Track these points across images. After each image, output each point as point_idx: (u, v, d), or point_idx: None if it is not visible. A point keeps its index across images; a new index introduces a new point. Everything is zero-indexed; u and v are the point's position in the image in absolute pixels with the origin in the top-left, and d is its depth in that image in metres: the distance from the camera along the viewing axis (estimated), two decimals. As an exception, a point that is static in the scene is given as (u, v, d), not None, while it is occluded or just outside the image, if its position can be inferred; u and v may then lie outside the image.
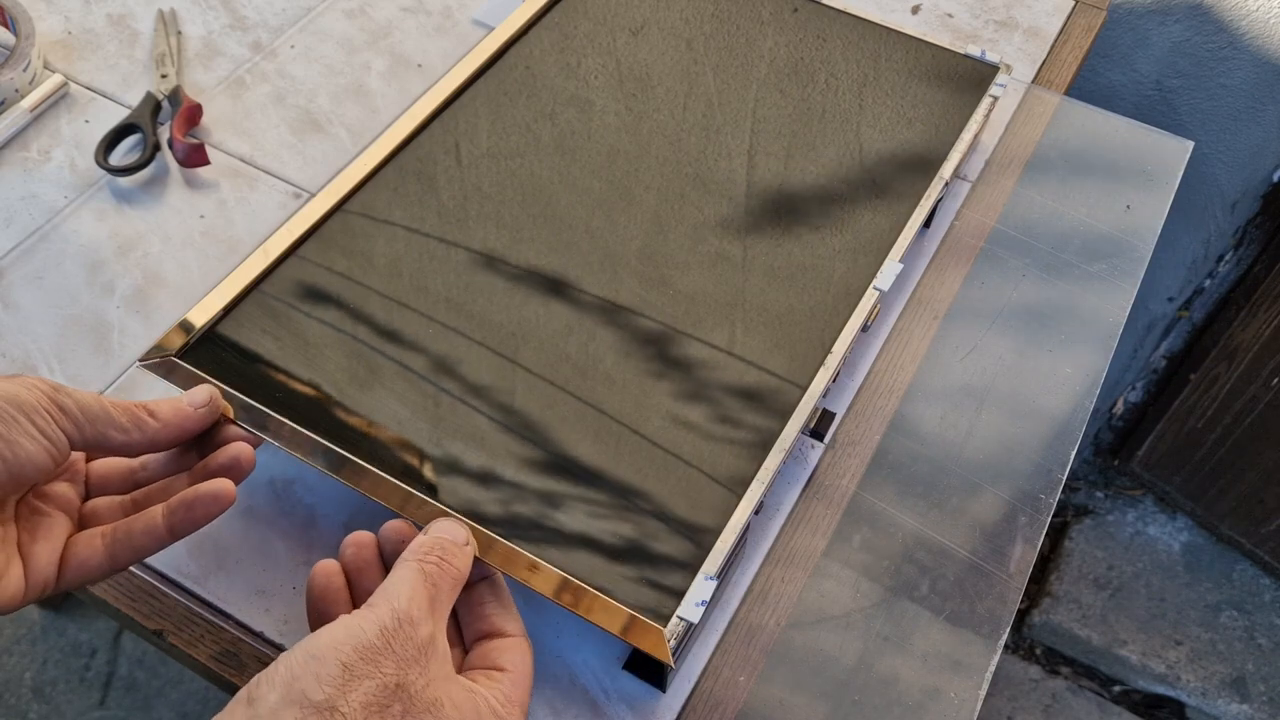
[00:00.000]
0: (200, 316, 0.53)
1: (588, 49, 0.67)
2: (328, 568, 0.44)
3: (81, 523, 0.45)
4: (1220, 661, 1.30)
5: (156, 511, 0.44)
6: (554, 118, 0.63)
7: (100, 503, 0.45)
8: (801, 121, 0.64)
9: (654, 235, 0.58)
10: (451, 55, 0.74)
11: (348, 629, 0.37)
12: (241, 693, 0.36)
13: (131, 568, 0.52)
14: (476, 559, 0.45)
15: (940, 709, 0.50)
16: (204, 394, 0.47)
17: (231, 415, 0.49)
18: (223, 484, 0.44)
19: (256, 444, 0.48)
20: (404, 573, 0.41)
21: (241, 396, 0.50)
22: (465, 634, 0.44)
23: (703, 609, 0.45)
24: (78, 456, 0.46)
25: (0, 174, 0.67)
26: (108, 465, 0.47)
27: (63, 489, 0.44)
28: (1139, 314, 1.21)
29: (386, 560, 0.45)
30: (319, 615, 0.43)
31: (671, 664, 0.44)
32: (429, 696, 0.37)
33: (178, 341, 0.52)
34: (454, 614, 0.44)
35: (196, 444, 0.48)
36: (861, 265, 0.57)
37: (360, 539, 0.45)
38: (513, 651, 0.43)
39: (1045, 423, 0.58)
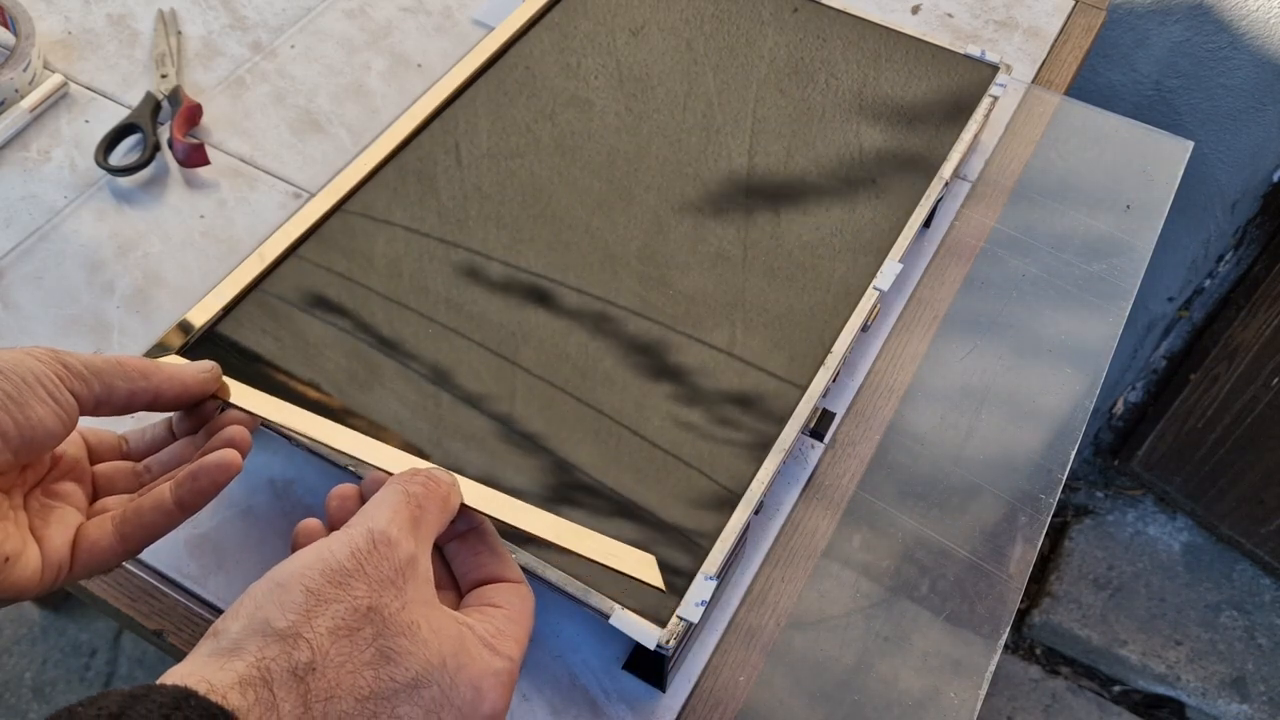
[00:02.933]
0: (200, 316, 0.53)
1: (588, 49, 0.67)
2: (310, 526, 0.43)
3: (89, 518, 0.45)
4: (1220, 661, 1.30)
5: (164, 488, 0.43)
6: (554, 118, 0.63)
7: (108, 501, 0.45)
8: (802, 121, 0.63)
9: (654, 235, 0.58)
10: (451, 55, 0.74)
11: (317, 553, 0.36)
12: (209, 629, 0.35)
13: (131, 567, 0.53)
14: (465, 508, 0.43)
15: (940, 709, 0.50)
16: (207, 364, 0.48)
17: (230, 396, 0.49)
18: (228, 452, 0.44)
19: (254, 426, 0.48)
20: (385, 494, 0.39)
21: (243, 386, 0.50)
22: (461, 584, 0.43)
23: (702, 609, 0.45)
24: (82, 456, 0.46)
25: (0, 174, 0.67)
26: (113, 468, 0.47)
27: (70, 488, 0.44)
28: (1139, 314, 1.21)
29: None
30: None
31: (665, 591, 0.43)
32: (404, 619, 0.36)
33: (177, 341, 0.52)
34: (447, 564, 0.43)
35: (201, 438, 0.48)
36: (861, 265, 0.57)
37: (344, 491, 0.44)
38: (508, 592, 0.41)
39: (1045, 423, 0.58)
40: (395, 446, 0.49)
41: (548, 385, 0.52)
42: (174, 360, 0.51)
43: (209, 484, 0.43)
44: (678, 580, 0.46)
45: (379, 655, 0.35)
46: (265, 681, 0.33)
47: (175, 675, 0.33)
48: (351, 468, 0.49)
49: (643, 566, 0.44)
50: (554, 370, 0.53)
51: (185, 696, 0.31)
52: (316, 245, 0.57)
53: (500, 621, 0.39)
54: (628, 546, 0.44)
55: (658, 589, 0.43)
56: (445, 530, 0.42)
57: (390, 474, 0.45)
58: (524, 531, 0.45)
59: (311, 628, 0.34)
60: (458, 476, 0.43)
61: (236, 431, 0.46)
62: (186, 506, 0.43)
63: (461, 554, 0.43)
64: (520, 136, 0.62)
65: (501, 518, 0.45)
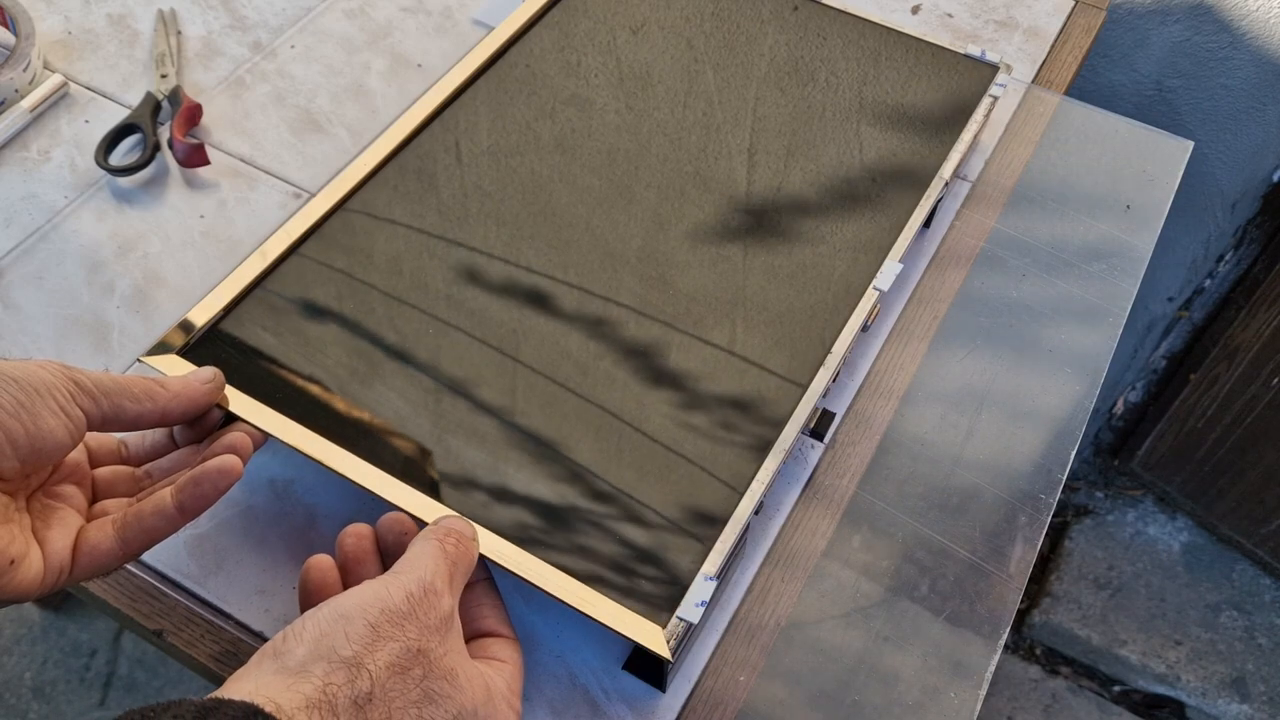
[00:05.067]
0: (201, 315, 0.53)
1: (588, 47, 0.67)
2: (322, 562, 0.44)
3: (90, 520, 0.45)
4: (1220, 661, 1.30)
5: (165, 493, 0.44)
6: (554, 116, 0.63)
7: (109, 504, 0.46)
8: (802, 120, 0.63)
9: (654, 233, 0.58)
10: (451, 55, 0.74)
11: (375, 593, 0.38)
12: (267, 646, 0.37)
13: (131, 568, 0.52)
14: (479, 557, 0.45)
15: (940, 709, 0.50)
16: (209, 372, 0.48)
17: (228, 404, 0.49)
18: (229, 458, 0.44)
19: (261, 441, 0.49)
20: (427, 548, 0.42)
21: (243, 395, 0.50)
22: (463, 631, 0.44)
23: (702, 609, 0.45)
24: (83, 459, 0.46)
25: (0, 174, 0.67)
26: (113, 472, 0.47)
27: (71, 490, 0.45)
28: (1139, 314, 1.21)
29: (384, 551, 0.45)
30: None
31: (670, 659, 0.44)
32: (446, 665, 0.38)
33: (179, 340, 0.52)
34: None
35: (202, 445, 0.48)
36: (861, 265, 0.57)
37: (360, 530, 0.45)
38: (510, 648, 0.44)
39: (1045, 423, 0.58)
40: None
41: (548, 382, 0.52)
42: (175, 364, 0.51)
43: (210, 489, 0.44)
44: (677, 580, 0.46)
45: (424, 695, 0.37)
46: (331, 707, 0.34)
47: (240, 691, 0.34)
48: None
49: (649, 635, 0.44)
50: (554, 367, 0.53)
51: (254, 713, 0.32)
52: (317, 243, 0.57)
53: (509, 677, 0.42)
54: (635, 614, 0.45)
55: (665, 658, 0.44)
56: None
57: (387, 500, 0.46)
58: (535, 586, 0.45)
59: (373, 660, 0.36)
60: (477, 529, 0.45)
61: (238, 438, 0.47)
62: (187, 511, 0.44)
63: (467, 604, 0.45)
64: (520, 134, 0.62)
65: (516, 571, 0.46)
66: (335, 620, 0.37)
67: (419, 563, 0.40)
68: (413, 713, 0.36)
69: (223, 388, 0.49)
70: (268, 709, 0.33)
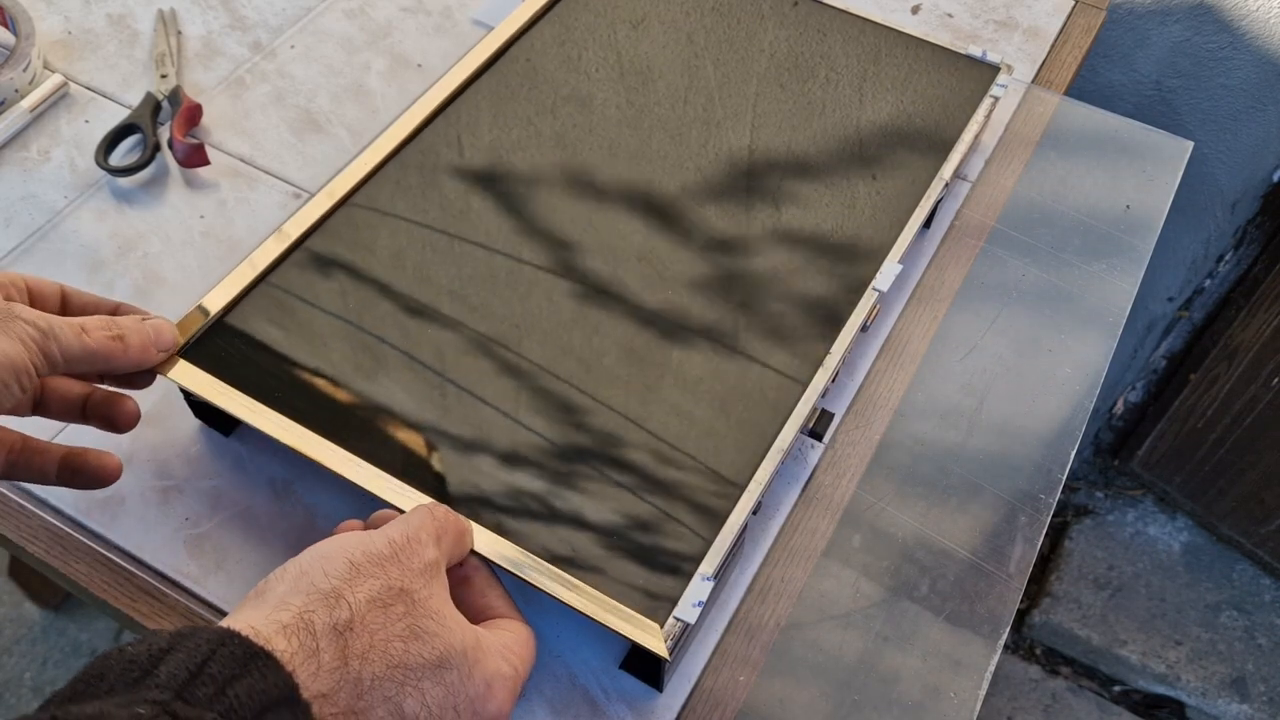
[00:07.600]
0: (202, 313, 0.53)
1: (588, 42, 0.67)
2: None
3: None
4: (1220, 661, 1.30)
5: (55, 457, 0.46)
6: (555, 112, 0.63)
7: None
8: (802, 117, 0.63)
9: (654, 229, 0.58)
10: (451, 55, 0.74)
11: (357, 537, 0.39)
12: (250, 592, 0.38)
13: (131, 567, 0.53)
14: (476, 554, 0.46)
15: (940, 709, 0.50)
16: (169, 339, 0.49)
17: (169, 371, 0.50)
18: (108, 459, 0.47)
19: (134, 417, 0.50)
20: (414, 510, 0.43)
21: (243, 396, 0.50)
22: (469, 619, 0.44)
23: (699, 609, 0.45)
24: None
25: (0, 174, 0.67)
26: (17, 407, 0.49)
27: None
28: (1139, 314, 1.21)
29: None
30: None
31: (668, 658, 0.44)
32: (432, 606, 0.39)
33: (197, 322, 0.52)
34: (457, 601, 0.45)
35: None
36: (861, 264, 0.57)
37: (352, 525, 0.46)
38: (516, 627, 0.44)
39: (1045, 423, 0.58)
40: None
41: (550, 377, 0.52)
42: (174, 364, 0.51)
43: (83, 483, 0.47)
44: (675, 580, 0.46)
45: (409, 631, 0.37)
46: (309, 630, 0.35)
47: (220, 624, 0.34)
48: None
49: (647, 634, 0.44)
50: (556, 363, 0.53)
51: (229, 635, 0.33)
52: (321, 238, 0.57)
53: (509, 639, 0.42)
54: (633, 613, 0.45)
55: (662, 657, 0.44)
56: (456, 567, 0.45)
57: (386, 501, 0.48)
58: (534, 585, 0.45)
59: (353, 593, 0.37)
60: (472, 523, 0.46)
61: (121, 411, 0.48)
62: (63, 483, 0.47)
63: (470, 596, 0.45)
64: (522, 130, 0.62)
65: (515, 570, 0.46)
66: (315, 559, 0.38)
67: (404, 519, 0.42)
68: (398, 645, 0.37)
69: (173, 351, 0.50)
70: (244, 633, 0.33)
